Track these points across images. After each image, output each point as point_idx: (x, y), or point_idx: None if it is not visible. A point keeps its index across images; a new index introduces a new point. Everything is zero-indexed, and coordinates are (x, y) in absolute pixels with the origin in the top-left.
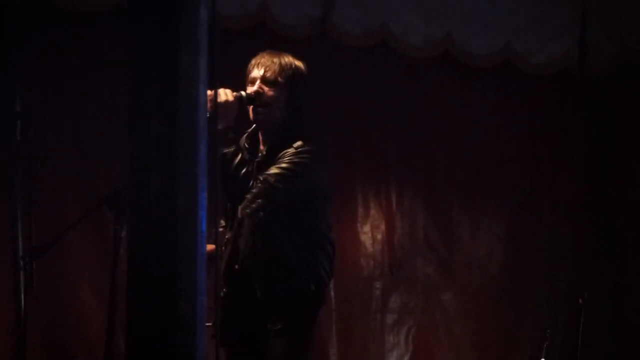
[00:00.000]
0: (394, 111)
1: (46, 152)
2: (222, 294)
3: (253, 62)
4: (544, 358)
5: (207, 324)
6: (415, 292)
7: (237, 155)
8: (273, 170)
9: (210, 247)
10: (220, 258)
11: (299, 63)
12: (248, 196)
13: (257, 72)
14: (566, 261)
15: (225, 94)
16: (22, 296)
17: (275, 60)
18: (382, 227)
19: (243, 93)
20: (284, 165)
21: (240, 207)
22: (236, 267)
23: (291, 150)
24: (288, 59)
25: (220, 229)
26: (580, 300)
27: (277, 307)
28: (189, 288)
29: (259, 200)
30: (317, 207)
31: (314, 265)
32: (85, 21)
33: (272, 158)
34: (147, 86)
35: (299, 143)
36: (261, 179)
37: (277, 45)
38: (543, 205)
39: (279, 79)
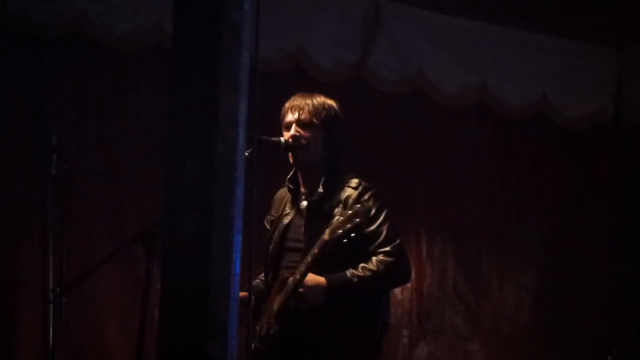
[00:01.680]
0: (426, 160)
1: (80, 187)
2: (272, 331)
3: (287, 105)
4: None
5: None
6: (443, 342)
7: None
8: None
9: (242, 294)
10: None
11: (331, 102)
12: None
13: (291, 116)
14: (594, 315)
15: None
16: (51, 330)
17: (308, 101)
18: (412, 275)
19: (282, 139)
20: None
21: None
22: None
23: (355, 194)
24: (320, 99)
25: (257, 281)
26: (610, 358)
27: (339, 349)
28: (220, 330)
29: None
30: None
31: (379, 309)
32: (126, 58)
33: (327, 197)
34: (185, 127)
35: (355, 181)
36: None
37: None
38: (572, 258)
39: (314, 120)
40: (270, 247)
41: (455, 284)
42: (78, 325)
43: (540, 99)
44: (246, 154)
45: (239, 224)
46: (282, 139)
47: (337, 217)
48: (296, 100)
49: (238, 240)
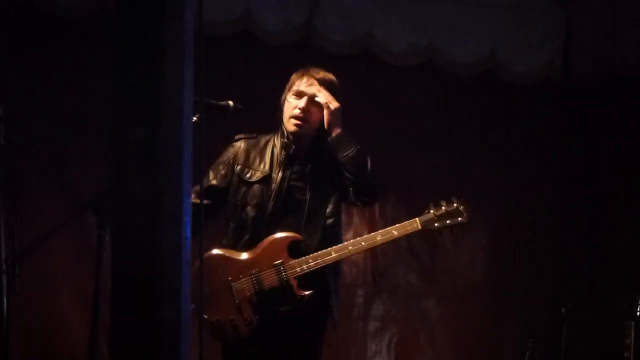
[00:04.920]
0: (375, 118)
1: (28, 156)
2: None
3: (304, 76)
4: None
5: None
6: (398, 300)
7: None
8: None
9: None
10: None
11: (330, 78)
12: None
13: (306, 88)
14: (548, 270)
15: (327, 100)
16: (4, 300)
17: (328, 82)
18: (365, 234)
19: (230, 103)
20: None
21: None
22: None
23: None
24: (335, 84)
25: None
26: (563, 310)
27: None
28: (173, 294)
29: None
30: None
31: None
32: (66, 25)
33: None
34: (130, 91)
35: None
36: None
37: (260, 51)
38: (525, 215)
39: (325, 101)
40: (269, 205)
41: (409, 243)
42: (32, 294)
43: (488, 55)
44: (194, 118)
45: (188, 187)
46: (230, 102)
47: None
48: (318, 75)
49: (188, 204)
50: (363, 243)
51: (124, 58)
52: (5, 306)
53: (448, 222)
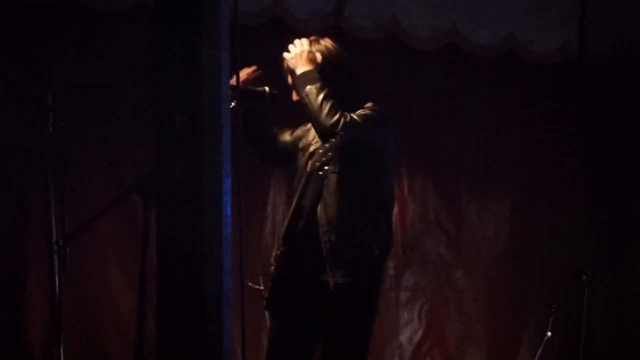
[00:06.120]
0: (403, 101)
1: (76, 142)
2: (279, 252)
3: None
4: (550, 331)
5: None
6: (427, 271)
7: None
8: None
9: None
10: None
11: (326, 43)
12: (320, 150)
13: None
14: (569, 241)
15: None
16: (57, 279)
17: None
18: (395, 209)
19: (266, 89)
20: (359, 113)
21: (310, 162)
22: (296, 221)
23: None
24: (317, 40)
25: None
26: (584, 277)
27: (341, 263)
28: (215, 270)
29: (330, 153)
30: (385, 172)
31: (378, 229)
32: (111, 18)
33: None
34: (170, 79)
35: (369, 104)
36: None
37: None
38: (546, 188)
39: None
40: (299, 172)
41: (437, 216)
42: (82, 273)
43: (507, 37)
44: (232, 104)
45: (227, 169)
46: (266, 88)
47: None
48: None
49: (227, 184)
50: None
51: (163, 47)
52: (57, 285)
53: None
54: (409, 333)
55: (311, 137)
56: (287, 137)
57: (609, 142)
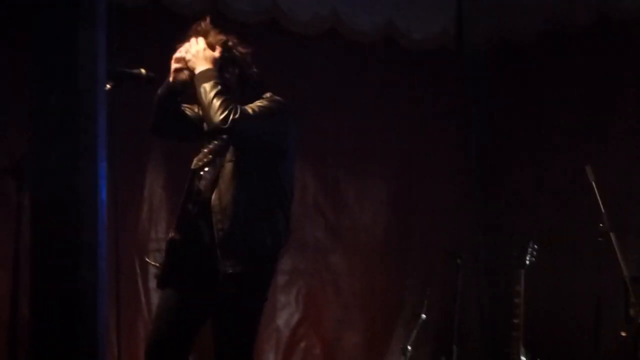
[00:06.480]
0: (284, 84)
1: None
2: (170, 237)
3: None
4: (425, 314)
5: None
6: (305, 255)
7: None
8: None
9: None
10: None
11: (220, 36)
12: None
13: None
14: (445, 224)
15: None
16: None
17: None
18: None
19: (142, 71)
20: (253, 105)
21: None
22: (190, 207)
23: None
24: (199, 28)
25: None
26: (459, 261)
27: (232, 252)
28: (91, 254)
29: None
30: (282, 163)
31: (273, 220)
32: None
33: None
34: (47, 61)
35: (268, 94)
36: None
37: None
38: (424, 173)
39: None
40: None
41: (315, 200)
42: None
43: (387, 23)
44: (108, 86)
45: (102, 152)
46: (142, 70)
47: None
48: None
49: (103, 167)
50: None
51: (40, 28)
52: None
53: None
54: (286, 317)
55: None
56: (194, 114)
57: (486, 128)
